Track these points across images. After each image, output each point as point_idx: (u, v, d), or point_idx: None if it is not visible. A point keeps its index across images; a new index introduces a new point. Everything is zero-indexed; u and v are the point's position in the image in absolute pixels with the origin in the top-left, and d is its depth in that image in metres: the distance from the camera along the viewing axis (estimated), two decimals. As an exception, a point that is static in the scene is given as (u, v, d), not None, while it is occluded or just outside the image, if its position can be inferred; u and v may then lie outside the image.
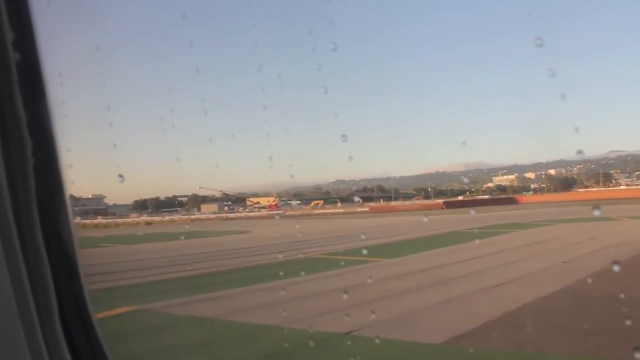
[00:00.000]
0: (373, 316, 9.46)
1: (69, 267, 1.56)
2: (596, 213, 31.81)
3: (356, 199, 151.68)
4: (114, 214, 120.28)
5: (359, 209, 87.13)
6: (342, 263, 17.79)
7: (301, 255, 20.48)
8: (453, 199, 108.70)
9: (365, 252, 21.07)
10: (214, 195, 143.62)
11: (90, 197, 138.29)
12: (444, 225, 33.63)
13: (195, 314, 10.74)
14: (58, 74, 2.01)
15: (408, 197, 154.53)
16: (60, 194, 1.52)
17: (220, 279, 15.67)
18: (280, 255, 20.39)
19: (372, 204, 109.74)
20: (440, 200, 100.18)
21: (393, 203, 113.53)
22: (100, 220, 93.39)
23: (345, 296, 11.76)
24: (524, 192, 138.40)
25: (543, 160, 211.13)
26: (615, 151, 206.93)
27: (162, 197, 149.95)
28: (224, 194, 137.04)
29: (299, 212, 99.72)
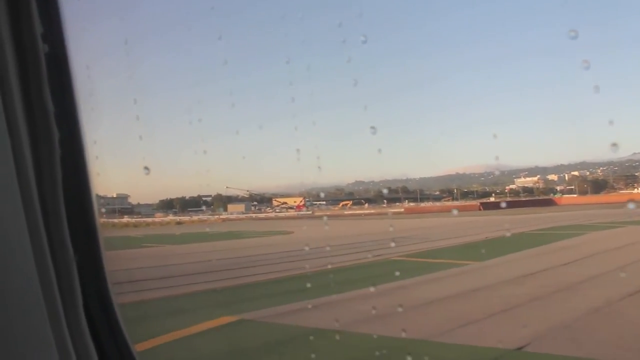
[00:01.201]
0: (526, 329, 8.22)
1: (93, 258, 1.57)
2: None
3: (384, 200, 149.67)
4: (139, 213, 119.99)
5: (392, 210, 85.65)
6: (430, 267, 16.38)
7: (376, 258, 19.12)
8: (488, 200, 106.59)
9: (444, 254, 19.73)
10: (238, 195, 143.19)
11: (114, 196, 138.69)
12: (502, 227, 32.09)
13: (310, 325, 9.43)
14: (86, 66, 1.91)
15: (433, 198, 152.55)
16: (86, 185, 1.53)
17: (308, 283, 14.35)
18: (352, 257, 19.07)
19: (405, 204, 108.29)
20: (474, 202, 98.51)
21: (424, 204, 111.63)
22: (128, 219, 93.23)
23: (469, 304, 10.51)
24: (557, 194, 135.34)
25: (564, 162, 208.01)
26: (639, 153, 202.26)
27: (187, 196, 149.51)
28: (251, 193, 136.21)
29: (328, 213, 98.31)
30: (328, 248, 22.91)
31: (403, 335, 8.42)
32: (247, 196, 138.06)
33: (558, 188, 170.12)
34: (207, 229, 53.20)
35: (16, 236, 1.27)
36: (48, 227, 1.36)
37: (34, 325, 1.29)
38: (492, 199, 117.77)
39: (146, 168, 5.23)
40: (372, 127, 7.42)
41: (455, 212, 68.36)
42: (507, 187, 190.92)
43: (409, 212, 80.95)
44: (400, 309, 10.36)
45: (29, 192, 1.31)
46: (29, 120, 1.36)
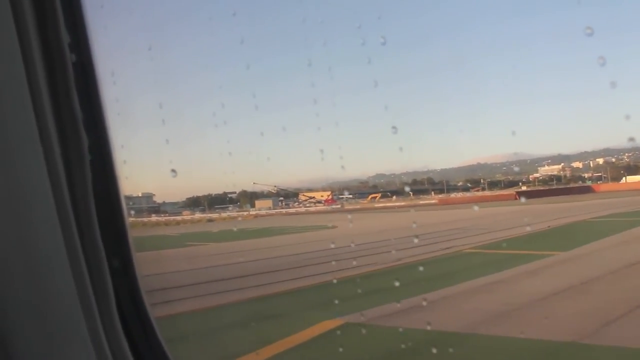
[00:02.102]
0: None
1: (125, 261, 1.60)
2: None
3: (410, 192, 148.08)
4: (165, 212, 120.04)
5: (425, 202, 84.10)
6: (514, 259, 15.43)
7: (447, 250, 18.22)
8: (524, 189, 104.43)
9: (520, 245, 18.74)
10: (263, 191, 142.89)
11: (140, 195, 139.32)
12: (556, 215, 30.90)
13: (428, 327, 8.60)
14: (111, 73, 2.08)
15: (461, 189, 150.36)
16: (115, 189, 1.57)
17: (393, 279, 13.52)
18: (421, 251, 18.17)
19: (436, 196, 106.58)
20: (506, 191, 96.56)
21: (454, 195, 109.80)
22: (157, 218, 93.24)
23: (594, 298, 9.65)
24: (600, 181, 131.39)
25: (588, 149, 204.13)
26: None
27: (212, 194, 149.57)
28: (279, 189, 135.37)
29: (358, 206, 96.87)
30: (388, 242, 22.02)
31: (549, 337, 7.58)
32: (274, 192, 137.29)
33: (586, 175, 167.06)
34: (243, 226, 52.42)
35: (50, 238, 1.30)
36: (80, 229, 1.39)
37: (70, 326, 1.32)
38: (524, 188, 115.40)
39: (173, 171, 5.32)
40: (394, 127, 8.07)
41: (489, 202, 66.90)
42: (531, 176, 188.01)
43: (443, 203, 79.26)
44: (515, 307, 9.52)
45: (61, 196, 1.35)
46: (59, 127, 1.40)
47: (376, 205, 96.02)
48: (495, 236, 21.73)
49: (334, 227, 38.19)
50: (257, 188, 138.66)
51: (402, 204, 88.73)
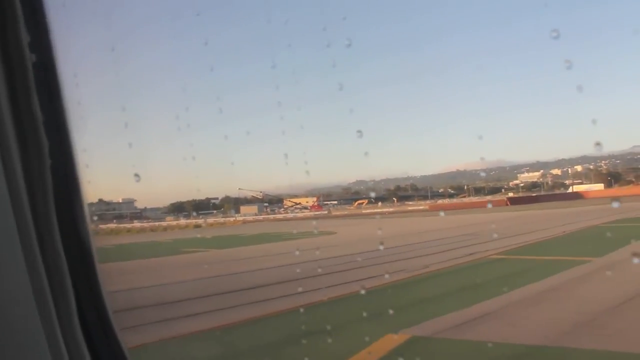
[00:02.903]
0: None
1: (86, 265, 1.57)
2: None
3: (394, 198, 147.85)
4: (148, 218, 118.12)
5: (414, 208, 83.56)
6: (549, 265, 14.71)
7: (470, 257, 17.43)
8: (515, 196, 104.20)
9: (546, 250, 18.07)
10: (246, 197, 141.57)
11: (120, 201, 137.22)
12: (565, 221, 30.38)
13: (508, 340, 7.80)
14: (73, 74, 2.01)
15: (445, 195, 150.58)
16: (77, 193, 1.54)
17: (433, 286, 12.70)
18: (443, 258, 17.41)
19: (425, 202, 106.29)
20: (495, 197, 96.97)
21: (441, 201, 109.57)
22: (141, 224, 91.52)
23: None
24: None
25: (565, 156, 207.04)
26: (639, 146, 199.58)
27: (196, 199, 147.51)
28: (265, 194, 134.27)
29: (346, 212, 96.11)
30: (401, 248, 21.20)
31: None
32: (260, 197, 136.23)
33: (567, 182, 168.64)
34: (235, 232, 51.25)
35: (8, 244, 1.28)
36: (40, 234, 1.37)
37: (28, 330, 1.30)
38: (511, 194, 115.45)
39: (136, 175, 5.19)
40: (359, 131, 8.03)
41: (489, 207, 66.55)
42: (511, 183, 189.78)
43: (434, 209, 79.01)
44: (592, 316, 8.74)
45: (19, 201, 1.32)
46: (18, 130, 1.36)
47: (364, 211, 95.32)
48: (512, 242, 20.97)
49: (333, 233, 37.27)
50: (242, 194, 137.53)
51: (391, 210, 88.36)
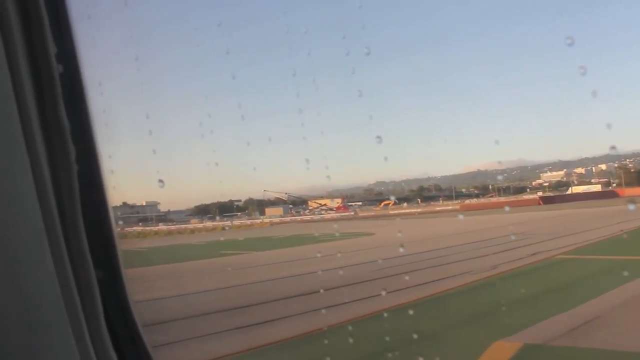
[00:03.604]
0: None
1: (113, 270, 1.59)
2: None
3: (418, 199, 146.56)
4: (172, 220, 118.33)
5: (443, 208, 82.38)
6: (628, 265, 13.94)
7: (535, 257, 16.68)
8: (548, 195, 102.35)
9: (615, 250, 17.26)
10: (269, 199, 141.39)
11: (144, 204, 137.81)
12: (614, 220, 29.28)
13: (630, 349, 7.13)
14: (98, 83, 2.09)
15: (471, 195, 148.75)
16: (102, 199, 1.57)
17: (513, 288, 12.01)
18: (504, 258, 16.69)
19: (452, 202, 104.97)
20: (525, 197, 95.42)
21: (470, 201, 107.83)
22: (167, 226, 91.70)
23: None
24: (606, 186, 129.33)
25: (588, 155, 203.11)
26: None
27: (219, 202, 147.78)
28: (290, 196, 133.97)
29: (373, 214, 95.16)
30: (456, 248, 20.51)
31: None
32: (285, 199, 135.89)
33: (593, 181, 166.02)
34: (265, 234, 50.81)
35: (37, 250, 1.30)
36: (68, 240, 1.39)
37: (57, 335, 1.31)
38: (540, 194, 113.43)
39: (161, 181, 5.40)
40: (378, 137, 8.18)
41: (519, 207, 65.29)
42: (534, 182, 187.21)
43: (466, 209, 77.68)
44: None
45: (48, 207, 1.33)
46: (46, 138, 1.40)
47: (391, 212, 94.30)
48: (571, 241, 20.16)
49: (370, 234, 36.60)
50: (266, 195, 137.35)
51: (418, 210, 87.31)
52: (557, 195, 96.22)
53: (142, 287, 15.59)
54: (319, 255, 23.41)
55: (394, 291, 12.02)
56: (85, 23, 1.77)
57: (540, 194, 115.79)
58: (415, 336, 8.25)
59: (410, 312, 10.06)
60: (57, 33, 1.45)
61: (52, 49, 1.41)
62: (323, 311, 9.99)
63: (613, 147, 5.69)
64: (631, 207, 26.66)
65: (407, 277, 13.82)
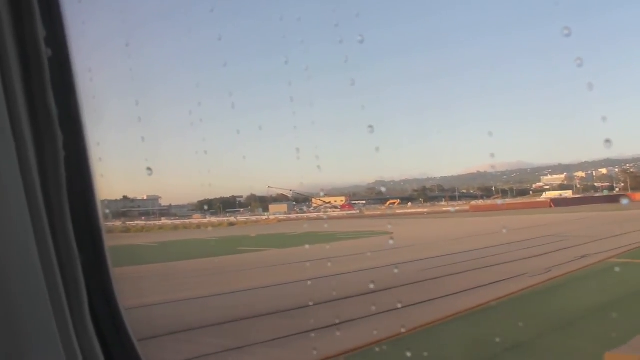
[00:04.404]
0: None
1: (98, 258, 1.57)
2: None
3: (420, 199, 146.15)
4: (175, 215, 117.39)
5: (449, 209, 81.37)
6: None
7: (584, 260, 15.95)
8: (558, 197, 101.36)
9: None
10: (271, 195, 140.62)
11: (145, 198, 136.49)
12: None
13: None
14: (88, 69, 2.02)
15: (474, 197, 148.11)
16: (89, 186, 1.54)
17: (580, 293, 11.27)
18: (551, 262, 15.93)
19: (458, 202, 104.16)
20: (529, 199, 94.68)
21: (477, 202, 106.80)
22: (172, 221, 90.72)
23: None
24: (610, 190, 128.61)
25: (588, 159, 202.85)
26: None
27: (222, 197, 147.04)
28: (295, 193, 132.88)
29: (378, 213, 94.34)
30: (491, 250, 19.75)
31: None
32: (288, 196, 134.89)
33: (596, 185, 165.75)
34: (276, 230, 50.00)
35: (22, 237, 1.27)
36: (53, 227, 1.36)
37: (40, 325, 1.29)
38: (550, 196, 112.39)
39: (149, 169, 5.50)
40: (370, 126, 8.45)
41: (531, 209, 64.63)
42: (535, 185, 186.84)
43: (476, 210, 76.61)
44: None
45: (33, 193, 1.31)
46: (33, 123, 1.37)
47: (397, 211, 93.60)
48: (614, 244, 19.37)
49: (388, 232, 35.81)
50: (270, 192, 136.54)
51: (425, 210, 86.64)
52: (568, 198, 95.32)
53: (195, 282, 14.97)
54: (343, 254, 22.44)
55: (461, 292, 11.32)
56: (75, 7, 1.73)
57: (549, 195, 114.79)
58: (512, 341, 7.55)
59: (478, 319, 9.42)
60: (47, 16, 1.41)
61: (41, 32, 1.38)
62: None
63: (608, 141, 5.67)
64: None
65: (457, 280, 13.17)
